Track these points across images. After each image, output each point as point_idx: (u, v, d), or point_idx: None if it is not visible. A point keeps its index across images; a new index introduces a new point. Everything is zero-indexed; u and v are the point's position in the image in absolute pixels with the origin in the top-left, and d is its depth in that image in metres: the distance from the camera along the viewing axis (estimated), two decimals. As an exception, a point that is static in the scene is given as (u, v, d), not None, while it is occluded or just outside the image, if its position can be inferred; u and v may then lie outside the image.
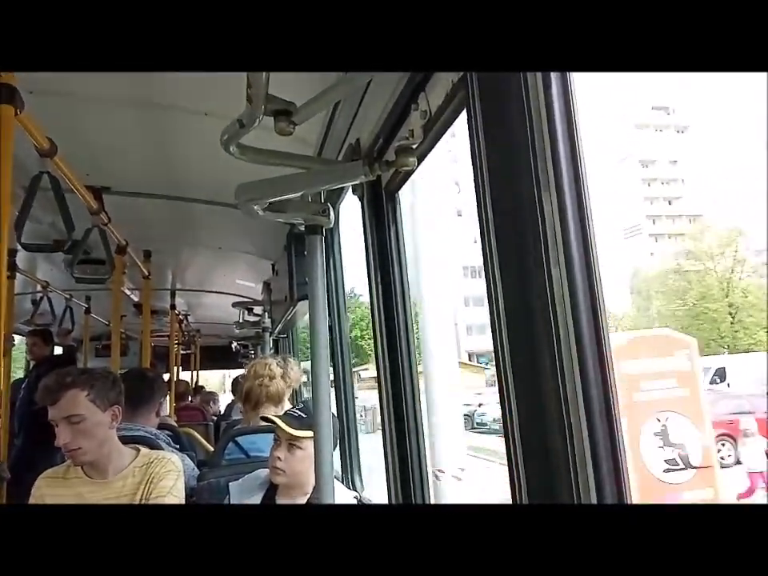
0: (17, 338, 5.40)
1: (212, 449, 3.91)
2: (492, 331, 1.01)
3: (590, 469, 0.84)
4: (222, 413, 7.37)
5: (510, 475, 0.98)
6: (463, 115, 1.18)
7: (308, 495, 1.98)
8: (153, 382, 2.73)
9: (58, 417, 1.85)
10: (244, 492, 2.06)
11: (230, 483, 2.12)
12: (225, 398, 7.68)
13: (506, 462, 0.99)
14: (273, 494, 2.01)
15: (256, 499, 1.98)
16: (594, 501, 0.83)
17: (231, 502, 2.05)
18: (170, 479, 1.97)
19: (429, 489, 1.90)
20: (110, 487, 1.94)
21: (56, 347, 5.08)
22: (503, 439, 1.00)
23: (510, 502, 0.98)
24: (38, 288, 4.80)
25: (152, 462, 2.00)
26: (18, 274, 3.69)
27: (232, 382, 6.18)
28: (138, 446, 2.10)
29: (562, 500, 0.87)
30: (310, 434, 1.71)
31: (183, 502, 2.01)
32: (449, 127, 1.44)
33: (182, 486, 2.03)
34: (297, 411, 2.04)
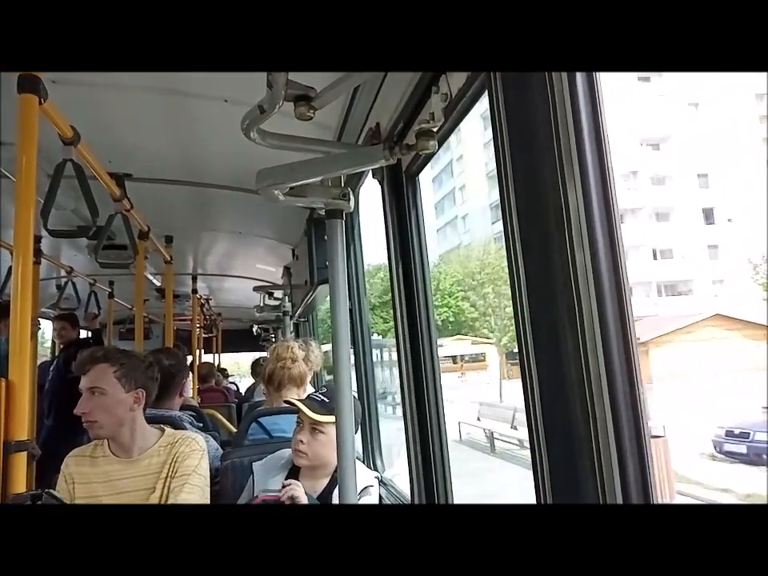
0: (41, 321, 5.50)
1: (235, 429, 3.96)
2: (515, 319, 1.00)
3: (616, 466, 0.83)
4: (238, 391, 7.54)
5: (534, 473, 0.97)
6: (485, 97, 1.17)
7: (330, 475, 2.01)
8: (172, 363, 2.75)
9: (84, 386, 1.93)
10: (267, 472, 2.09)
11: (254, 463, 2.16)
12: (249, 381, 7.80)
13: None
14: (295, 473, 2.04)
15: (279, 479, 2.01)
16: (620, 500, 0.82)
17: (255, 482, 2.09)
18: (194, 458, 2.01)
19: (451, 485, 1.90)
20: (136, 466, 1.98)
21: (82, 331, 5.17)
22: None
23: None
24: (63, 273, 4.87)
25: (177, 441, 2.04)
26: (42, 259, 3.75)
27: (252, 364, 6.24)
28: (162, 426, 2.14)
29: (587, 499, 0.86)
30: (332, 419, 1.73)
31: (208, 480, 2.04)
32: (470, 110, 1.42)
33: (207, 465, 2.06)
34: (320, 396, 2.06)
